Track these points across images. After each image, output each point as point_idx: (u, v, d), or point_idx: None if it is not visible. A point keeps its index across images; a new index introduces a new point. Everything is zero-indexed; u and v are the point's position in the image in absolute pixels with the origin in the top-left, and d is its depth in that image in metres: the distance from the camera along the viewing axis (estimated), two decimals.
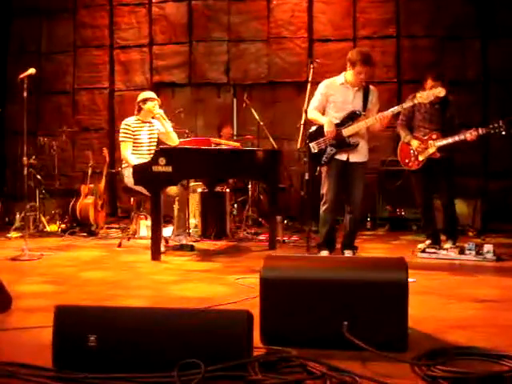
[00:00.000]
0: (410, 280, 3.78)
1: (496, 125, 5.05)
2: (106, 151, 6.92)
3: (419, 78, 6.99)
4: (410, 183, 5.63)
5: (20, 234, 6.39)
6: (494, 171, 7.46)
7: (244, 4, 8.14)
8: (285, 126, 7.58)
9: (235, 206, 6.77)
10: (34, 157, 6.53)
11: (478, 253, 4.82)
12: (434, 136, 5.26)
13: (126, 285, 3.96)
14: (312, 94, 4.98)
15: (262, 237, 6.19)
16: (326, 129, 4.76)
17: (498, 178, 7.37)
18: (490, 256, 4.76)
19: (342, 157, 4.85)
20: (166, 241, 5.82)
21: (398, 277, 2.43)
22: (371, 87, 4.99)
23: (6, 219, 7.17)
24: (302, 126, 4.67)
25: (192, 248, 5.41)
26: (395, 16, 7.78)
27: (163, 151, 4.80)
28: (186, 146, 5.08)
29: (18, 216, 6.61)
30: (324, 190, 4.93)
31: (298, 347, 2.48)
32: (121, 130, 5.63)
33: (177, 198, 5.50)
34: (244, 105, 7.01)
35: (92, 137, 8.50)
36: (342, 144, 4.82)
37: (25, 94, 5.08)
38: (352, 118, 4.82)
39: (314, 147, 4.90)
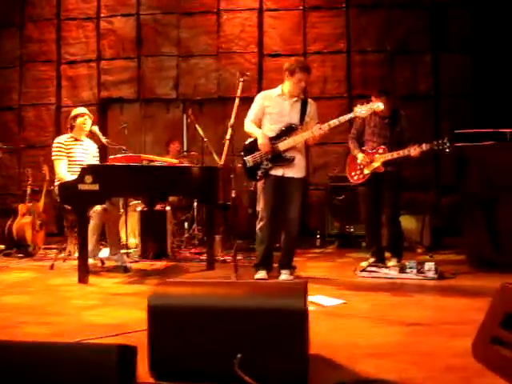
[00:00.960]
0: (337, 302, 3.75)
1: (440, 141, 4.96)
2: (46, 168, 6.64)
3: (370, 92, 6.95)
4: (356, 198, 5.51)
5: None
6: (446, 186, 7.37)
7: (193, 18, 8.00)
8: (236, 142, 7.40)
9: (184, 223, 6.58)
10: None
11: (419, 271, 4.67)
12: (381, 150, 5.17)
13: (40, 311, 3.70)
14: (241, 109, 4.82)
15: (204, 256, 5.97)
16: (259, 142, 4.60)
17: (451, 192, 7.27)
18: (431, 274, 4.62)
19: (278, 172, 4.67)
20: (102, 262, 5.61)
21: (294, 305, 2.23)
22: (309, 100, 4.85)
23: None
24: (227, 142, 4.48)
25: (126, 269, 5.17)
26: (345, 31, 7.71)
27: (89, 168, 4.58)
28: (113, 163, 4.87)
29: None
30: (260, 206, 4.76)
31: (190, 382, 2.30)
32: (53, 148, 5.41)
33: (108, 216, 5.29)
34: (188, 120, 6.83)
35: (39, 154, 8.18)
36: (278, 158, 4.65)
37: None
38: (288, 131, 4.66)
39: (248, 161, 4.73)
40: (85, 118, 5.42)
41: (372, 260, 5.28)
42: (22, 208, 6.45)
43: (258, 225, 4.76)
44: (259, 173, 4.68)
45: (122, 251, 5.87)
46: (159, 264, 5.68)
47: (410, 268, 4.70)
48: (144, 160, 4.95)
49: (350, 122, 5.43)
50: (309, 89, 7.76)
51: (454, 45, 7.41)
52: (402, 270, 4.73)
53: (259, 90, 7.84)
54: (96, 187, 4.52)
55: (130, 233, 6.37)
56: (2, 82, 8.26)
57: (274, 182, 4.66)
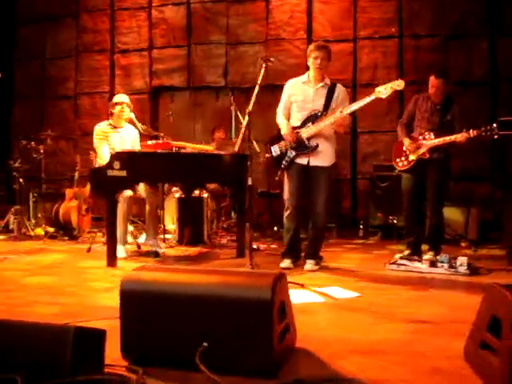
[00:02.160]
0: (351, 295, 3.62)
1: (488, 127, 4.68)
2: (93, 154, 6.83)
3: (422, 79, 6.65)
4: (399, 187, 5.31)
5: (3, 237, 6.44)
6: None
7: (242, 6, 7.95)
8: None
9: (221, 210, 6.60)
10: (18, 160, 6.54)
11: (451, 266, 4.44)
12: (428, 136, 4.94)
13: (57, 291, 3.82)
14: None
15: None
16: (282, 133, 4.56)
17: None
18: (462, 269, 4.38)
19: (303, 160, 4.58)
20: (139, 246, 5.72)
21: (260, 295, 2.16)
22: (338, 85, 4.70)
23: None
24: (243, 128, 4.42)
25: (157, 254, 5.24)
26: (397, 15, 7.40)
27: (118, 155, 4.66)
28: (140, 150, 4.92)
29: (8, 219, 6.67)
30: (285, 195, 4.70)
31: (160, 367, 2.29)
32: (95, 135, 5.57)
33: (148, 201, 5.40)
34: (231, 107, 6.81)
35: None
36: (301, 146, 4.56)
37: None
38: (312, 118, 4.56)
39: (275, 150, 4.69)
40: (122, 107, 5.51)
41: (407, 252, 5.07)
42: (68, 193, 6.68)
43: (285, 213, 4.70)
44: (284, 162, 4.61)
45: (160, 236, 6.00)
46: (192, 250, 5.72)
47: (441, 262, 4.48)
48: (174, 147, 4.99)
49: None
50: (358, 76, 7.59)
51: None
52: (433, 264, 4.51)
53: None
54: (124, 173, 4.60)
55: (169, 219, 6.45)
56: (59, 71, 8.58)
57: (298, 170, 4.58)
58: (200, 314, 2.24)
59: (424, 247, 5.16)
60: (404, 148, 5.10)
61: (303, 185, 4.61)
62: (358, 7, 7.53)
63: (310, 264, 4.63)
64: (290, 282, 3.86)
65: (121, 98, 5.66)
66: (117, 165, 4.61)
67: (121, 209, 5.17)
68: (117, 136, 5.56)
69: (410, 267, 4.58)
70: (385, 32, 7.46)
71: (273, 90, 7.91)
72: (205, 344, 2.19)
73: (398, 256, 4.95)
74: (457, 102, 5.12)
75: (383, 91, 4.40)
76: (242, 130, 4.44)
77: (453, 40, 7.22)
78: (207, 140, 7.36)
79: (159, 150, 4.79)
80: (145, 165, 4.67)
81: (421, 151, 4.99)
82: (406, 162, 5.10)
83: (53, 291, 3.82)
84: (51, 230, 6.66)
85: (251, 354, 2.18)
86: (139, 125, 5.57)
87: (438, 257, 4.60)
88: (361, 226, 6.78)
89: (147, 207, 5.45)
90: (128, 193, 5.17)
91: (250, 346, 2.18)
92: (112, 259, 4.72)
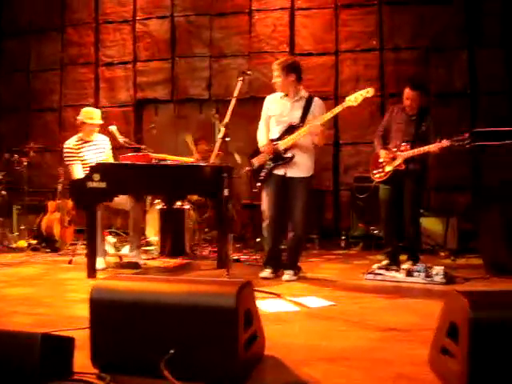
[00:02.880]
0: (325, 304, 3.66)
1: (460, 137, 4.76)
2: (61, 170, 6.78)
3: (403, 90, 6.74)
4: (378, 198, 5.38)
5: None
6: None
7: (225, 19, 8.04)
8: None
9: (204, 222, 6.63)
10: (1, 173, 6.55)
11: (427, 275, 4.49)
12: (403, 147, 5.02)
13: (36, 302, 3.84)
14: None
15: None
16: (259, 145, 4.64)
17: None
18: (438, 279, 4.43)
19: (280, 171, 4.65)
20: (120, 258, 5.73)
21: (225, 303, 2.19)
22: (315, 99, 4.78)
23: None
24: (219, 140, 4.48)
25: (136, 265, 5.27)
26: (378, 28, 7.52)
27: (97, 167, 4.69)
28: (119, 162, 4.96)
29: None
30: (263, 206, 4.75)
31: (128, 374, 2.31)
32: (64, 154, 5.53)
33: (131, 213, 5.42)
34: (213, 121, 6.86)
35: None
36: (278, 158, 4.63)
37: None
38: (289, 130, 4.63)
39: (254, 163, 4.76)
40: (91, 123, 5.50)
41: (385, 262, 5.12)
42: (51, 205, 6.69)
43: (263, 224, 4.75)
44: (262, 173, 4.68)
45: (143, 248, 6.02)
46: (173, 261, 5.74)
47: (418, 272, 4.53)
48: (154, 159, 5.02)
49: None
50: (340, 88, 7.68)
51: (491, 41, 7.07)
52: (409, 273, 4.56)
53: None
54: (104, 185, 4.63)
55: (152, 230, 6.47)
56: (44, 84, 8.61)
57: (276, 181, 4.65)
58: (167, 321, 2.27)
59: (402, 257, 5.22)
60: (380, 159, 5.17)
61: (280, 196, 4.67)
62: (340, 20, 7.64)
63: (288, 274, 4.66)
64: (267, 292, 3.96)
65: (89, 112, 5.60)
66: (96, 177, 4.64)
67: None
68: (89, 149, 5.55)
69: (386, 276, 4.63)
70: (366, 45, 7.57)
71: (255, 103, 7.98)
72: (171, 351, 2.22)
73: (376, 266, 5.00)
74: (430, 114, 5.22)
75: (353, 99, 4.48)
76: (218, 142, 4.48)
77: (433, 52, 7.34)
78: (190, 152, 7.40)
79: (138, 162, 4.82)
80: (124, 176, 4.71)
81: (396, 162, 5.06)
82: (382, 174, 5.18)
83: (31, 302, 3.83)
84: (34, 242, 6.66)
85: (217, 361, 2.21)
86: (120, 137, 5.59)
87: (414, 266, 4.65)
88: (342, 237, 6.82)
89: (131, 220, 5.46)
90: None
91: (216, 354, 2.21)
92: (92, 271, 4.73)
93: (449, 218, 6.11)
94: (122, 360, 2.34)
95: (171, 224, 6.11)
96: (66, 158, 5.52)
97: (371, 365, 2.47)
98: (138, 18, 8.33)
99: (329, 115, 4.61)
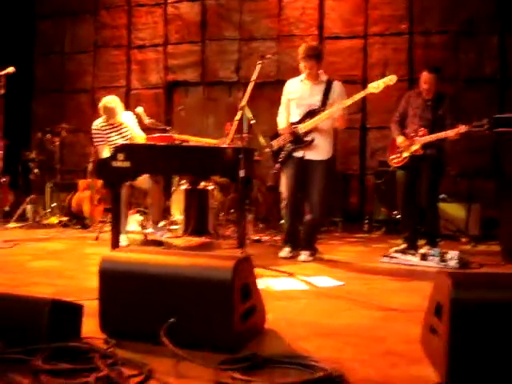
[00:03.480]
0: (334, 284, 3.74)
1: (478, 123, 4.74)
2: (92, 149, 7.01)
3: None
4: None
5: (16, 225, 6.72)
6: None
7: (255, 2, 8.10)
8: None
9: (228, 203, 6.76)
10: (34, 152, 6.80)
11: (442, 259, 4.52)
12: (421, 133, 5.02)
13: (58, 274, 4.03)
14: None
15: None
16: (278, 128, 4.72)
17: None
18: (452, 263, 4.45)
19: (299, 154, 4.73)
20: (146, 235, 5.92)
21: (220, 276, 2.31)
22: (335, 82, 4.82)
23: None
24: (235, 123, 4.58)
25: (160, 243, 5.45)
26: (408, 12, 7.46)
27: (122, 147, 4.85)
28: (143, 143, 5.12)
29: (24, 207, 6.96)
30: (282, 187, 4.85)
31: (134, 340, 2.45)
32: (92, 135, 5.75)
33: (150, 193, 5.60)
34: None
35: None
36: (298, 140, 4.70)
37: (1, 92, 5.22)
38: (310, 114, 4.69)
39: (273, 145, 4.86)
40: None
41: (403, 246, 5.15)
42: (81, 183, 6.92)
43: (282, 205, 4.85)
44: (281, 155, 4.76)
45: (169, 227, 6.21)
46: (196, 240, 5.90)
47: (432, 256, 4.57)
48: (177, 140, 5.16)
49: None
50: (368, 72, 7.66)
51: None
52: (424, 257, 4.59)
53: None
54: (128, 164, 4.79)
55: (177, 210, 6.64)
56: (78, 65, 8.85)
57: (294, 163, 4.73)
58: (169, 292, 2.40)
59: (421, 241, 5.24)
60: (397, 145, 5.18)
61: (299, 177, 4.75)
62: (370, 4, 7.61)
63: (304, 255, 4.76)
64: (279, 271, 4.05)
65: (106, 102, 5.77)
66: (121, 156, 4.80)
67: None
68: (113, 130, 5.74)
69: (401, 260, 4.67)
70: (395, 28, 7.52)
71: (282, 85, 8.07)
72: (171, 320, 2.36)
73: (393, 249, 5.05)
74: (448, 97, 5.18)
75: (375, 86, 4.50)
76: (235, 123, 4.58)
77: (463, 37, 7.24)
78: (220, 134, 7.53)
79: (161, 143, 4.97)
80: (147, 157, 4.84)
81: (414, 148, 5.06)
82: (400, 159, 5.19)
83: (53, 274, 4.03)
84: (65, 219, 6.92)
85: (213, 330, 2.33)
86: (146, 118, 5.75)
87: (429, 250, 4.68)
88: (366, 221, 6.86)
89: (149, 200, 5.66)
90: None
91: (213, 323, 2.33)
92: (115, 246, 4.90)
93: (471, 204, 6.08)
94: (128, 327, 2.48)
95: (195, 204, 6.25)
96: (94, 139, 5.75)
97: (365, 341, 2.55)
98: (169, 0, 8.46)
99: (350, 100, 4.64)
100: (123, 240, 5.27)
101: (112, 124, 5.72)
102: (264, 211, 7.44)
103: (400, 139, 5.14)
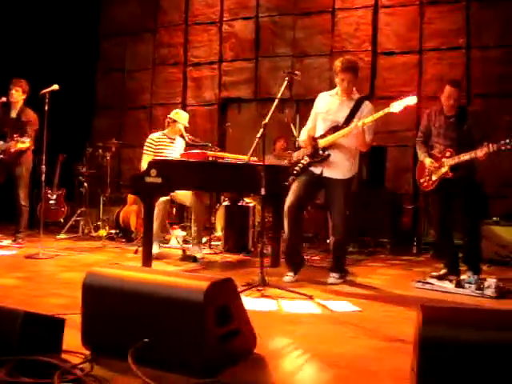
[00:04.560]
0: (351, 309, 3.57)
1: (508, 141, 4.40)
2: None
3: (489, 91, 6.42)
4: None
5: (66, 236, 6.95)
6: None
7: (309, 18, 8.05)
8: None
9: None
10: (85, 166, 7.05)
11: (478, 287, 4.22)
12: (448, 153, 4.73)
13: (79, 286, 4.10)
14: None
15: None
16: (300, 139, 4.62)
17: None
18: (489, 292, 4.14)
19: (317, 170, 4.58)
20: (184, 251, 5.96)
21: (192, 297, 2.25)
22: (366, 102, 4.65)
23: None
24: (256, 140, 4.49)
25: (195, 259, 5.46)
26: (465, 26, 7.14)
27: (154, 163, 4.92)
28: (172, 159, 5.18)
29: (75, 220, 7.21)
30: (288, 200, 4.68)
31: (112, 357, 2.43)
32: (145, 144, 5.89)
33: (191, 208, 5.66)
34: (286, 120, 6.90)
35: None
36: (315, 154, 4.57)
37: (46, 108, 5.44)
38: (332, 129, 4.55)
39: (293, 157, 4.78)
40: (183, 124, 5.83)
41: (443, 271, 4.87)
42: (130, 197, 7.07)
43: (285, 219, 4.66)
44: (296, 167, 4.64)
45: (214, 243, 6.25)
46: (232, 257, 5.86)
47: (469, 283, 4.28)
48: (210, 156, 5.16)
49: None
50: (423, 88, 7.39)
51: None
52: (459, 284, 4.31)
53: (372, 89, 7.69)
54: (159, 180, 4.84)
55: (219, 226, 6.65)
56: (137, 83, 9.13)
57: (309, 176, 4.58)
58: (145, 310, 2.37)
59: (463, 267, 4.93)
60: (426, 168, 4.90)
61: (308, 190, 4.60)
62: (425, 18, 7.36)
63: (332, 277, 4.60)
64: (299, 293, 3.93)
65: (182, 115, 5.93)
66: (153, 172, 4.86)
67: (156, 212, 5.43)
68: (169, 146, 5.87)
69: (435, 286, 4.41)
70: (452, 43, 7.22)
71: None
72: (144, 340, 2.32)
73: (434, 274, 4.78)
74: (472, 111, 4.89)
75: (396, 106, 4.29)
76: (256, 140, 4.51)
77: None
78: (268, 150, 7.50)
79: (192, 159, 4.99)
80: (178, 173, 4.88)
81: (443, 170, 4.75)
82: (430, 182, 4.88)
83: (76, 286, 4.06)
84: (113, 231, 7.09)
85: (186, 353, 2.27)
86: (186, 135, 5.83)
87: (465, 277, 4.40)
88: (414, 243, 6.57)
89: (192, 215, 5.70)
90: (162, 198, 5.44)
91: (185, 346, 2.27)
92: (147, 260, 4.93)
93: None
94: (107, 343, 2.47)
95: (235, 220, 6.23)
96: (144, 148, 5.87)
97: (354, 375, 2.40)
98: (224, 18, 8.57)
99: (370, 119, 4.42)
100: (155, 248, 5.33)
101: (170, 139, 5.85)
102: (312, 230, 7.30)
103: (428, 161, 4.83)
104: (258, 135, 4.31)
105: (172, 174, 4.86)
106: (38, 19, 8.28)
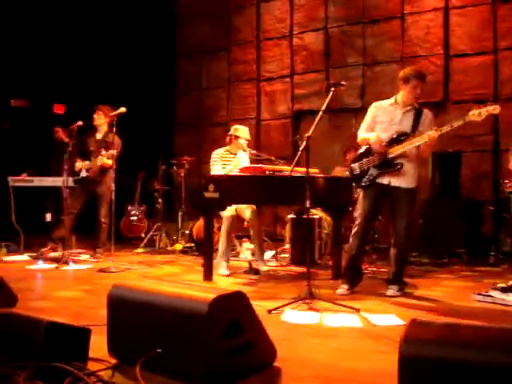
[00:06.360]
0: (393, 323, 3.48)
1: None
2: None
3: None
4: None
5: (143, 250, 7.29)
6: None
7: (378, 26, 7.92)
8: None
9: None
10: (159, 183, 7.38)
11: None
12: None
13: None
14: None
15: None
16: (371, 141, 4.50)
17: None
18: None
19: (384, 180, 4.48)
20: (250, 263, 6.04)
21: (197, 310, 2.32)
22: (425, 110, 4.56)
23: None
24: (299, 153, 4.47)
25: (256, 272, 5.54)
26: None
27: (211, 178, 5.07)
28: (230, 173, 5.29)
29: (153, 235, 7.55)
30: (357, 213, 4.63)
31: (133, 365, 2.56)
32: (211, 159, 6.04)
33: (249, 223, 5.74)
34: (353, 129, 6.82)
35: None
36: (385, 164, 4.46)
37: (114, 130, 5.78)
38: (399, 138, 4.45)
39: (355, 169, 4.68)
40: (246, 143, 5.96)
41: (511, 283, 4.60)
42: None
43: (352, 231, 4.61)
44: (365, 179, 4.57)
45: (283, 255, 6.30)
46: (296, 270, 5.88)
47: None
48: (267, 170, 5.22)
49: None
50: (499, 89, 7.04)
51: None
52: None
53: (445, 94, 7.42)
54: (216, 195, 4.99)
55: (287, 239, 6.68)
56: (214, 100, 9.41)
57: (378, 189, 4.50)
58: (158, 320, 2.48)
59: None
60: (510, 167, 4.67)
61: (378, 206, 4.55)
62: (498, 16, 7.02)
63: (391, 289, 4.49)
64: (346, 306, 3.88)
65: (243, 131, 6.05)
66: (211, 187, 5.02)
67: (223, 227, 5.59)
68: (232, 159, 6.00)
69: (496, 299, 4.18)
70: None
71: None
72: (157, 350, 2.42)
73: (500, 285, 4.52)
74: None
75: (477, 113, 4.12)
76: (298, 153, 4.50)
77: None
78: (340, 161, 7.45)
79: (247, 174, 5.09)
80: (234, 188, 4.99)
81: None
82: None
83: None
84: (188, 245, 7.34)
85: (194, 364, 2.34)
86: (248, 150, 5.93)
87: None
88: (491, 253, 6.24)
89: (251, 229, 5.78)
90: (228, 213, 5.54)
91: (193, 357, 2.34)
92: (208, 274, 5.11)
93: None
94: (128, 352, 2.60)
95: (301, 233, 6.24)
96: (211, 162, 5.99)
97: None
98: (294, 32, 8.64)
99: (447, 127, 4.31)
100: (223, 269, 5.46)
101: (233, 153, 5.96)
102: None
103: None
104: (301, 148, 4.30)
105: (229, 188, 4.99)
106: (118, 45, 8.82)
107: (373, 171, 4.55)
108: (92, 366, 2.53)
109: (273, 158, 6.11)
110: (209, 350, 2.31)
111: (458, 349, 1.73)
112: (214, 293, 2.43)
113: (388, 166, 4.48)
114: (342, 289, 4.55)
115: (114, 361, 2.64)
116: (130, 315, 2.61)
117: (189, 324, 2.36)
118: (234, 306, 2.46)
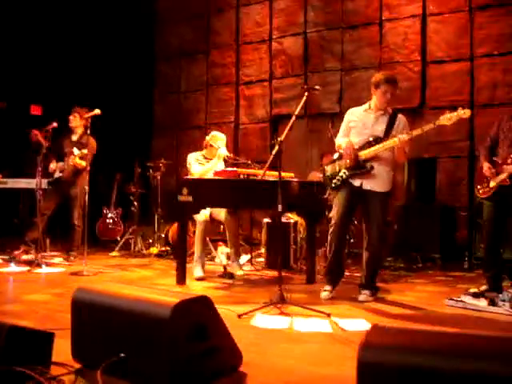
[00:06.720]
0: (364, 329, 3.47)
1: None
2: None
3: None
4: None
5: (118, 254, 7.21)
6: None
7: (356, 32, 7.95)
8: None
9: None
10: (135, 186, 7.32)
11: None
12: (510, 160, 4.49)
13: None
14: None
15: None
16: (342, 147, 4.52)
17: None
18: None
19: (356, 182, 4.49)
20: (225, 268, 6.01)
21: (160, 314, 2.28)
22: (399, 115, 4.57)
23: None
24: (271, 157, 4.46)
25: (231, 276, 5.51)
26: None
27: (185, 182, 5.03)
28: (203, 177, 5.26)
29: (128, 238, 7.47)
30: (332, 213, 4.63)
31: (95, 370, 2.51)
32: (187, 161, 5.98)
33: (225, 224, 5.71)
34: (328, 135, 6.82)
35: None
36: (356, 167, 4.47)
37: (88, 132, 5.72)
38: (371, 143, 4.46)
39: (327, 170, 4.71)
40: (217, 146, 5.88)
41: (483, 288, 4.62)
42: None
43: (330, 230, 4.62)
44: (335, 181, 4.58)
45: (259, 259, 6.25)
46: (270, 274, 5.85)
47: (503, 301, 4.04)
48: (241, 174, 5.20)
49: None
50: (476, 96, 7.09)
51: None
52: (493, 302, 4.08)
53: (422, 100, 7.47)
54: (190, 198, 4.95)
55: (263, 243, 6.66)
56: (192, 103, 9.36)
57: (349, 190, 4.50)
58: (122, 324, 2.44)
59: (506, 283, 4.67)
60: (483, 173, 4.68)
61: (351, 205, 4.55)
62: (475, 23, 7.07)
63: (364, 295, 4.48)
64: (316, 311, 3.86)
65: (219, 136, 6.00)
66: (185, 190, 4.98)
67: (197, 231, 5.54)
68: (207, 164, 5.96)
69: (467, 304, 4.19)
70: (504, 48, 6.89)
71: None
72: (122, 354, 2.38)
73: (473, 290, 4.55)
74: None
75: (448, 117, 4.14)
76: (270, 158, 4.49)
77: None
78: (317, 165, 7.46)
79: (221, 178, 5.06)
80: (208, 191, 4.97)
81: (501, 177, 4.52)
82: (487, 189, 4.67)
83: None
84: (163, 249, 7.28)
85: (157, 369, 2.30)
86: (225, 154, 5.89)
87: (500, 295, 4.15)
88: (466, 258, 6.27)
89: (227, 232, 5.74)
90: (202, 217, 5.50)
91: (156, 362, 2.30)
92: (181, 277, 5.05)
93: None
94: (91, 356, 2.55)
95: (276, 238, 6.22)
96: (187, 164, 5.91)
97: None
98: (273, 36, 8.65)
99: (418, 131, 4.33)
100: (198, 271, 5.41)
101: (208, 159, 5.89)
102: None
103: (485, 167, 4.62)
104: (274, 152, 4.28)
105: (202, 192, 4.96)
106: (97, 46, 8.74)
107: (343, 173, 4.56)
108: (55, 370, 2.49)
109: (249, 162, 6.09)
110: (172, 354, 2.28)
111: (416, 355, 1.72)
112: (178, 297, 2.40)
113: (359, 168, 4.49)
114: (326, 291, 4.55)
115: (78, 365, 2.60)
116: (94, 319, 2.56)
117: (152, 328, 2.32)
118: (198, 311, 2.43)
